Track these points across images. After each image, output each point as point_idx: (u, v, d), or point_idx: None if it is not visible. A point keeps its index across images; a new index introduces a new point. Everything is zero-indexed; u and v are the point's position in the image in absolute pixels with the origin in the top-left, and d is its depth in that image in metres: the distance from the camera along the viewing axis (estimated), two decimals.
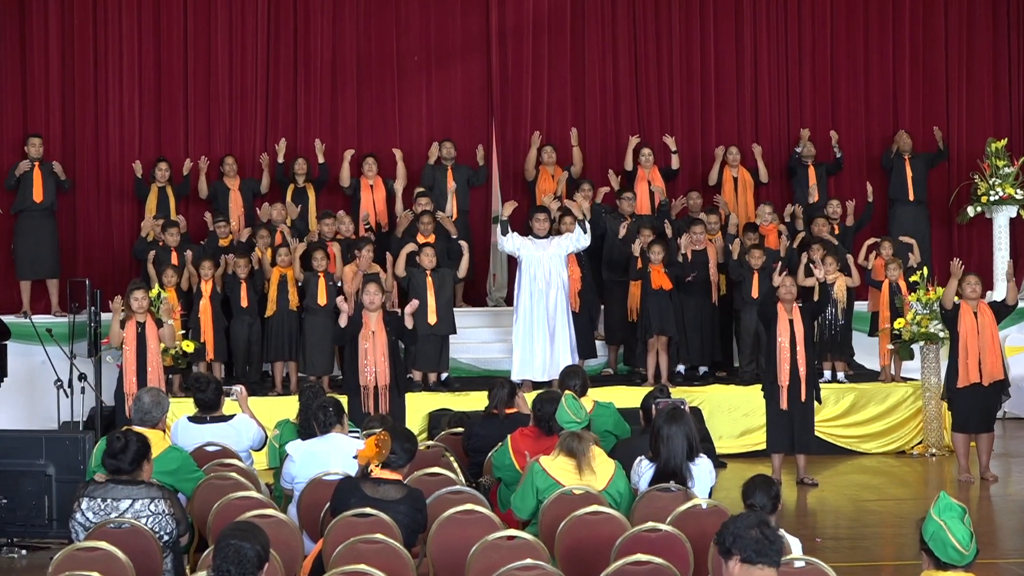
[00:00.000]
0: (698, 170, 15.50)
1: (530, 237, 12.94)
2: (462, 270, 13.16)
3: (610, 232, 13.88)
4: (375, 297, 11.24)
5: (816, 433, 11.81)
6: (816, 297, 12.09)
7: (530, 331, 12.75)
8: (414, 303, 11.54)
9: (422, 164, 14.84)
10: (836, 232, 14.09)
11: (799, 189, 15.15)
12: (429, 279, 12.82)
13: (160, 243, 13.35)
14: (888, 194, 15.45)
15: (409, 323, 11.33)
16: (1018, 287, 15.51)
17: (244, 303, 12.89)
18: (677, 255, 13.24)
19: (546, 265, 12.76)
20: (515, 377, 12.48)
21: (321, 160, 14.53)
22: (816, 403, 11.46)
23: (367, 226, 13.98)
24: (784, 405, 11.10)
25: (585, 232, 12.80)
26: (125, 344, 11.05)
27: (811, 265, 12.59)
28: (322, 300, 12.82)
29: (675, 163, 15.06)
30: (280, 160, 14.34)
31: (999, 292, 14.93)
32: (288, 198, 14.17)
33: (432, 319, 12.78)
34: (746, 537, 4.55)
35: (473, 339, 14.28)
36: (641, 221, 13.83)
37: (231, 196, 14.29)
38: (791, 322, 11.11)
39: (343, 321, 11.30)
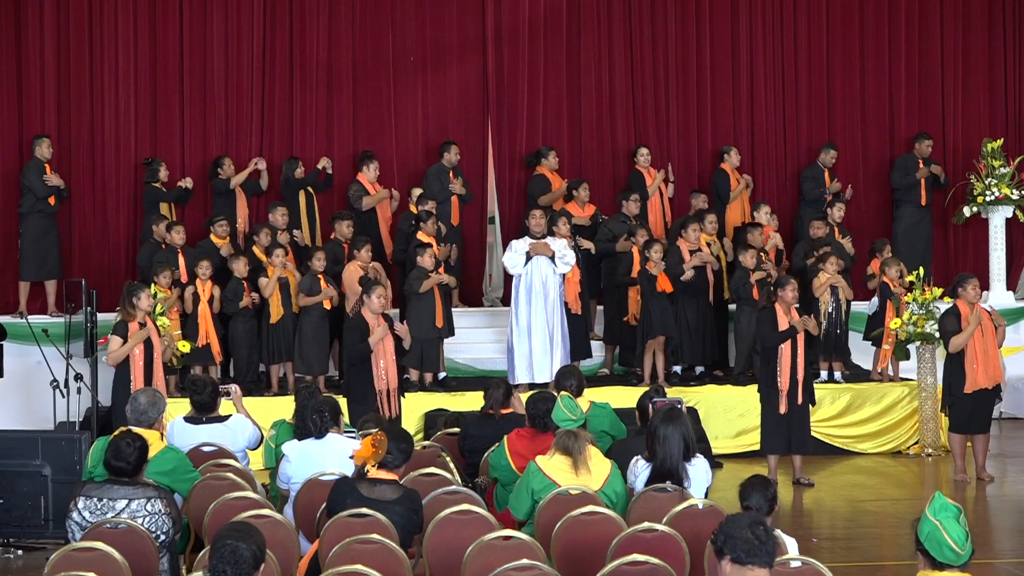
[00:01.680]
0: (694, 171, 15.50)
1: (526, 238, 12.92)
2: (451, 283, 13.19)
3: (604, 236, 13.84)
4: (382, 301, 11.13)
5: (812, 433, 11.80)
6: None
7: (528, 333, 12.72)
8: (404, 328, 11.34)
9: (417, 163, 14.84)
10: (837, 236, 14.04)
11: (812, 190, 15.08)
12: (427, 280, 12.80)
13: (164, 244, 13.29)
14: (895, 195, 15.43)
15: (407, 344, 11.19)
16: (1014, 287, 15.57)
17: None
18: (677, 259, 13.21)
19: (544, 268, 12.73)
20: (516, 381, 12.47)
21: (330, 171, 14.51)
22: (811, 405, 11.44)
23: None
24: (784, 409, 11.07)
25: (567, 265, 12.74)
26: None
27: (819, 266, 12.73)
28: (325, 304, 12.79)
29: (670, 191, 15.02)
30: (300, 176, 14.24)
31: (996, 292, 14.97)
32: (302, 206, 14.16)
33: (440, 322, 12.79)
34: (737, 537, 4.59)
35: (469, 339, 14.27)
36: (639, 222, 13.83)
37: (237, 195, 14.24)
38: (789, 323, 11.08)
39: (375, 340, 10.97)
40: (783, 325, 11.02)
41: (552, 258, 12.68)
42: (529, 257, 12.69)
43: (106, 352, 11.00)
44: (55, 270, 13.95)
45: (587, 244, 13.22)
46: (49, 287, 14.00)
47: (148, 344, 10.84)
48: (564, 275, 12.86)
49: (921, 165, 15.19)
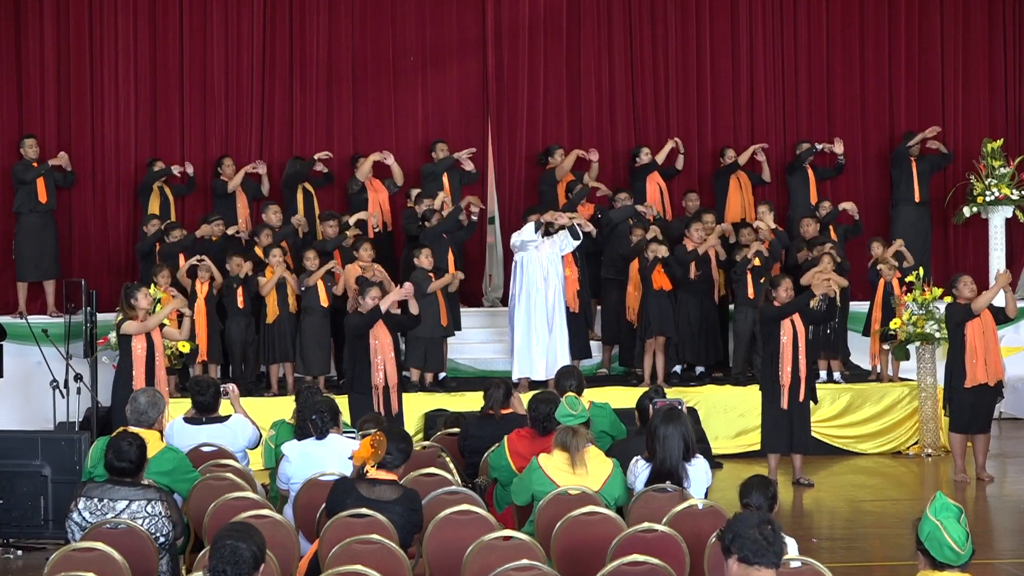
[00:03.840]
0: (694, 171, 15.50)
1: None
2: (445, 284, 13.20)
3: (608, 228, 13.86)
4: (377, 301, 11.09)
5: (812, 433, 11.80)
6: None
7: (529, 330, 12.71)
8: (408, 287, 11.33)
9: (417, 163, 14.84)
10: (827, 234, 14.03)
11: (800, 189, 15.07)
12: (434, 281, 12.78)
13: (157, 244, 13.29)
14: (892, 195, 15.43)
15: (414, 308, 11.18)
16: (1014, 287, 15.55)
17: (240, 304, 12.85)
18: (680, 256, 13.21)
19: (545, 264, 12.74)
20: (516, 376, 12.48)
21: (326, 171, 14.51)
22: (812, 403, 11.44)
23: (375, 228, 13.91)
24: (785, 405, 11.06)
25: (576, 238, 12.75)
26: (134, 343, 10.81)
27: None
28: (324, 301, 12.79)
29: (680, 163, 15.05)
30: (296, 172, 14.26)
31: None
32: (300, 203, 14.14)
33: (444, 320, 12.80)
34: (745, 537, 4.54)
35: (470, 340, 14.27)
36: (635, 222, 13.83)
37: (237, 196, 14.24)
38: (792, 322, 11.07)
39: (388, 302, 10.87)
40: (785, 324, 10.99)
41: (569, 227, 12.63)
42: (539, 227, 12.66)
43: (105, 351, 10.97)
44: (52, 270, 13.92)
45: (589, 227, 13.21)
46: (48, 287, 13.99)
47: (149, 342, 10.81)
48: (564, 276, 12.87)
49: (913, 160, 15.17)
